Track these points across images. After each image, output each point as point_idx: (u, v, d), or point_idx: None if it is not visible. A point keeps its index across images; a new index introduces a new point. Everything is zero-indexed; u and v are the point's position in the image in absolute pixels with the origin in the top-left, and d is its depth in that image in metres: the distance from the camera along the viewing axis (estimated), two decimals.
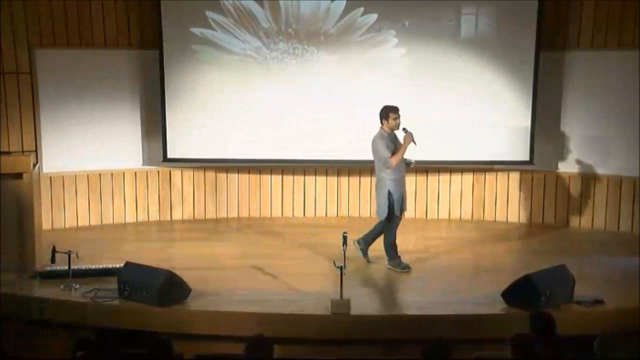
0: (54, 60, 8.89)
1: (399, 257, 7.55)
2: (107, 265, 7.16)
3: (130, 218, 9.45)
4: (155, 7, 9.06)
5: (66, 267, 6.78)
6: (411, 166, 7.63)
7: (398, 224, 7.56)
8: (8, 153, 7.98)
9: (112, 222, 9.35)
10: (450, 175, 9.46)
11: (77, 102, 9.03)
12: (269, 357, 5.00)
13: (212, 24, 9.14)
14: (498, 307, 6.44)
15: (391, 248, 7.53)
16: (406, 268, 7.49)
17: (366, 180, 9.61)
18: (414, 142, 7.31)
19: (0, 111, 8.64)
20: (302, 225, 9.33)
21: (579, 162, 9.27)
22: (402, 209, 7.52)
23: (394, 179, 7.42)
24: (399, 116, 7.35)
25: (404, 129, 7.34)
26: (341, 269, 6.35)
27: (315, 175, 9.67)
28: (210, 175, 9.62)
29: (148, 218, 9.52)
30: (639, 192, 8.99)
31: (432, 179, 9.61)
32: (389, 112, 7.36)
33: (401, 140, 7.40)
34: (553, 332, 5.21)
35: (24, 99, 8.81)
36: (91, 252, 7.68)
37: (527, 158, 9.23)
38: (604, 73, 8.99)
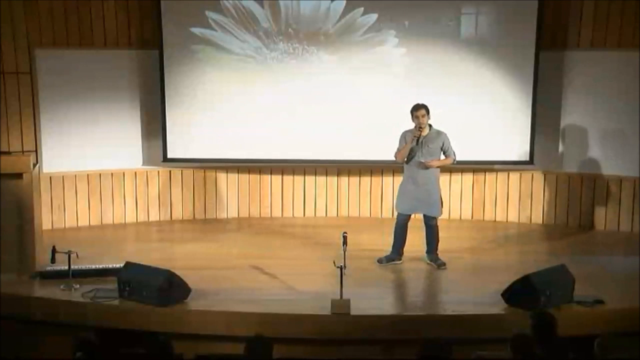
0: (54, 60, 8.89)
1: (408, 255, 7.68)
2: (107, 265, 7.15)
3: (130, 218, 9.45)
4: (155, 7, 9.04)
5: (66, 267, 6.78)
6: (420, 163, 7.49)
7: (401, 221, 7.61)
8: (8, 153, 7.97)
9: (112, 222, 9.34)
10: (450, 175, 9.45)
11: (77, 102, 9.03)
12: (269, 357, 5.00)
13: (212, 23, 9.14)
14: (498, 307, 6.43)
15: (393, 239, 7.63)
16: (396, 260, 7.61)
17: (366, 180, 9.60)
18: (416, 142, 7.37)
19: (0, 111, 8.64)
20: (302, 225, 9.32)
21: (579, 162, 9.25)
22: (407, 207, 7.56)
23: (403, 175, 7.61)
24: (419, 115, 7.34)
25: (418, 128, 7.38)
26: (341, 269, 6.34)
27: (315, 175, 9.66)
28: (211, 175, 9.61)
29: (148, 218, 9.51)
30: (639, 192, 8.99)
31: None
32: (411, 111, 7.43)
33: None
34: (553, 332, 5.21)
35: (24, 99, 8.80)
36: (91, 252, 7.66)
37: (527, 158, 9.22)
38: (604, 73, 8.98)
